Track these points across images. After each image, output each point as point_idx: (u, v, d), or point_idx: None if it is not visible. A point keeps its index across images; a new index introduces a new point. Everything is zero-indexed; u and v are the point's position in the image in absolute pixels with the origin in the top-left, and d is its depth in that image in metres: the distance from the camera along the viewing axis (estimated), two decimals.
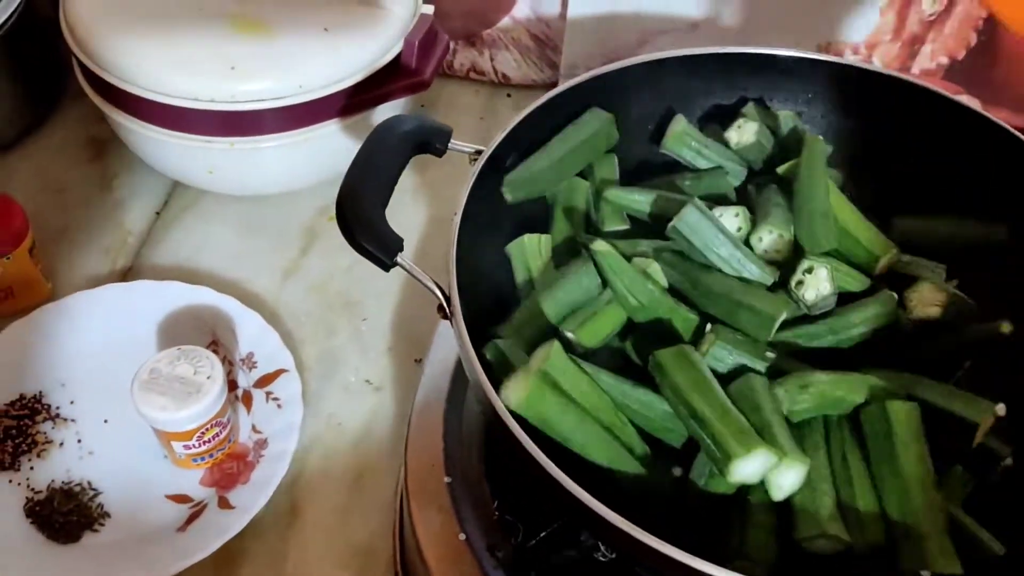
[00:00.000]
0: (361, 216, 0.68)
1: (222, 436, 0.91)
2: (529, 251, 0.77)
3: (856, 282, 0.77)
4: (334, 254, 1.13)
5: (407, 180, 1.16)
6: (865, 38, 1.16)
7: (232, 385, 0.98)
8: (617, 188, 0.82)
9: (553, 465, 0.58)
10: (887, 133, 0.86)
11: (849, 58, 0.83)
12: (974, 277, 0.78)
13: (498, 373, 0.69)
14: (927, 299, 0.74)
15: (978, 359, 0.73)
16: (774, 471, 0.63)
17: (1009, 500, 0.68)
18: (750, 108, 0.86)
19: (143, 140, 1.05)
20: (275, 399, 0.97)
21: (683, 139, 0.84)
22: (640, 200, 0.80)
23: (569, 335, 0.71)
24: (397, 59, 1.07)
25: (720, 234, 0.73)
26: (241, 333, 1.01)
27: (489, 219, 0.76)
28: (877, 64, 1.16)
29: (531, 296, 0.74)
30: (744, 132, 0.84)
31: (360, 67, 1.03)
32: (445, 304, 0.68)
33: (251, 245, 1.12)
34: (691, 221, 0.73)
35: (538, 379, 0.64)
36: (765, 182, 0.83)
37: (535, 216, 0.82)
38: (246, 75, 0.98)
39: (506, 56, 1.29)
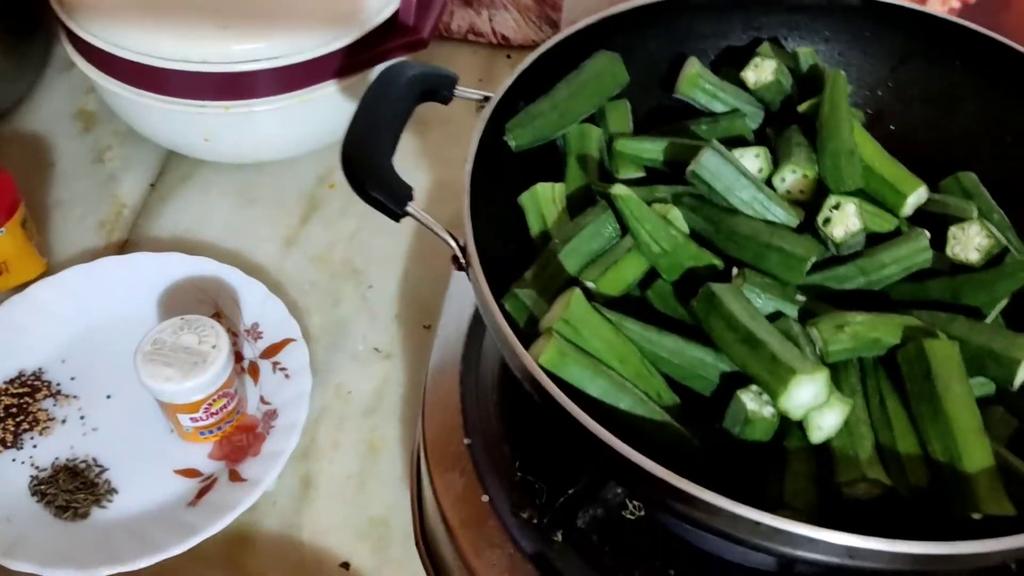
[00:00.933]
0: (368, 165, 0.65)
1: (230, 407, 0.88)
2: (543, 200, 0.74)
3: (885, 222, 0.74)
4: (336, 221, 1.10)
5: (408, 143, 1.13)
6: None
7: (238, 356, 0.96)
8: (629, 138, 0.79)
9: (588, 417, 0.55)
10: (911, 72, 0.83)
11: None
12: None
13: (520, 325, 0.66)
14: (971, 242, 0.71)
15: (1018, 297, 0.70)
16: (817, 410, 0.61)
17: None
18: (766, 47, 0.83)
19: (135, 108, 1.02)
20: (283, 369, 0.94)
21: (697, 82, 0.81)
22: (653, 148, 0.77)
23: (590, 285, 0.68)
24: (395, 17, 1.03)
25: (742, 176, 0.70)
26: (245, 303, 0.98)
27: (498, 170, 0.73)
28: None
29: (548, 247, 0.71)
30: (762, 71, 0.81)
31: (357, 25, 1.00)
32: (460, 254, 0.65)
33: (251, 215, 1.09)
34: (710, 164, 0.70)
35: (559, 333, 0.62)
36: (786, 123, 0.79)
37: (547, 167, 0.79)
38: (239, 34, 0.95)
39: (505, 16, 1.26)
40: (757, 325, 0.63)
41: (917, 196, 0.74)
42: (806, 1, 0.82)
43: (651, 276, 0.71)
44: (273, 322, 0.97)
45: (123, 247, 1.06)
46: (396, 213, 0.65)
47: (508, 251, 0.73)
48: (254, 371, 0.95)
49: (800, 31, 0.84)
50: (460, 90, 0.74)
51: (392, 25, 1.03)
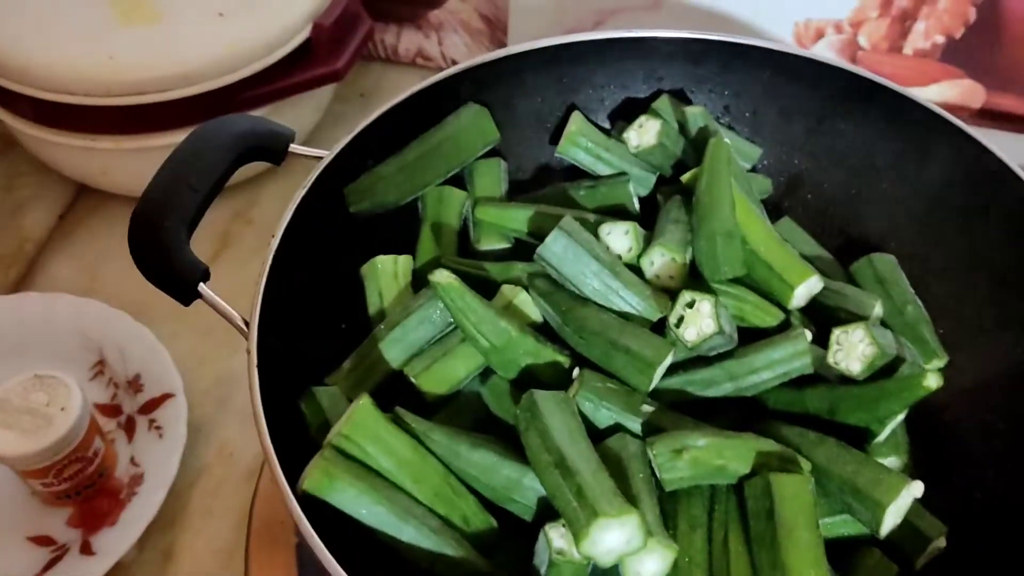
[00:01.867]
0: (156, 244, 0.58)
1: (89, 471, 0.81)
2: (382, 275, 0.66)
3: (769, 316, 0.64)
4: (249, 261, 1.02)
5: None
6: (849, 14, 1.01)
7: (116, 411, 0.89)
8: (490, 203, 0.69)
9: (329, 556, 0.47)
10: (829, 134, 0.72)
11: (775, 43, 0.69)
12: None
13: (311, 431, 0.57)
14: (854, 349, 0.60)
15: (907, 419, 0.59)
16: (633, 556, 0.51)
17: None
18: (661, 103, 0.73)
19: (29, 140, 0.96)
20: (158, 427, 0.87)
21: (577, 141, 0.72)
22: (518, 217, 0.68)
23: (412, 381, 0.60)
24: (306, 46, 0.95)
25: (594, 261, 0.61)
26: (129, 352, 0.92)
27: (339, 239, 0.65)
28: (818, 51, 1.01)
29: (372, 334, 0.62)
30: (645, 132, 0.71)
31: (258, 55, 0.92)
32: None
33: None
34: (557, 246, 0.61)
35: (337, 449, 0.53)
36: (672, 192, 0.69)
37: (406, 237, 0.70)
38: (126, 66, 0.88)
39: (455, 40, 1.17)
40: (574, 448, 0.53)
41: (808, 287, 0.64)
42: (703, 53, 0.71)
43: (489, 371, 0.62)
44: (156, 374, 0.90)
45: (19, 284, 1.00)
46: (183, 299, 0.58)
47: (341, 335, 0.65)
48: (130, 427, 0.88)
49: (708, 84, 0.74)
50: (296, 148, 0.66)
51: (305, 54, 0.96)
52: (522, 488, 0.56)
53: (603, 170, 0.73)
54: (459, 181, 0.72)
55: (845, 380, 0.61)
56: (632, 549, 0.50)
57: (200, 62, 0.90)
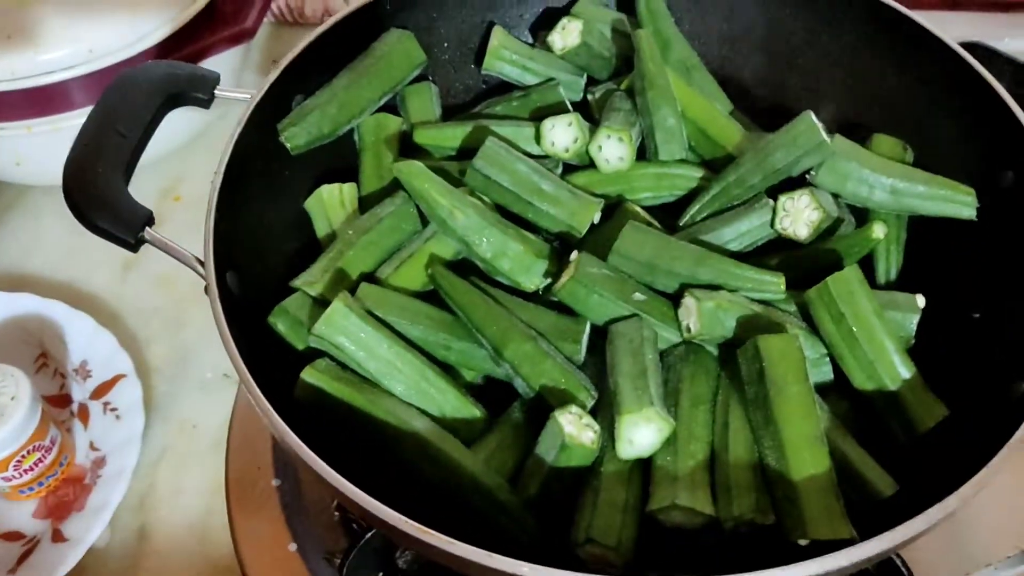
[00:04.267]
0: (93, 190, 0.56)
1: (48, 461, 0.79)
2: (329, 204, 0.66)
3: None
4: (184, 237, 0.98)
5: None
6: None
7: (66, 400, 0.87)
8: (426, 126, 0.69)
9: (319, 459, 0.47)
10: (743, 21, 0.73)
11: None
12: None
13: (291, 340, 0.57)
14: (800, 215, 0.62)
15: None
16: (632, 423, 0.52)
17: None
18: (581, 4, 0.73)
19: None
20: (113, 410, 0.85)
21: (501, 54, 0.72)
22: (453, 135, 0.68)
23: (385, 281, 0.60)
24: (212, 7, 0.93)
25: (531, 171, 0.62)
26: (72, 340, 0.89)
27: (280, 175, 0.64)
28: None
29: (339, 239, 0.62)
30: (568, 34, 0.72)
31: (162, 21, 0.90)
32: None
33: (84, 240, 0.95)
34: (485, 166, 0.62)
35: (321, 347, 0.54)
36: (606, 90, 0.70)
37: (345, 168, 0.69)
38: (24, 45, 0.85)
39: None
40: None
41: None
42: None
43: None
44: (103, 358, 0.88)
45: None
46: (129, 243, 0.56)
47: (291, 268, 0.64)
48: (84, 414, 0.86)
49: None
50: (222, 91, 0.64)
51: (210, 16, 0.93)
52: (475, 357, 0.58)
53: (531, 80, 0.73)
54: (392, 109, 0.71)
55: (789, 245, 0.63)
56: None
57: (102, 34, 0.87)
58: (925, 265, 0.64)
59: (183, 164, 1.04)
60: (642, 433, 0.53)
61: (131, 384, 0.85)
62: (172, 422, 0.87)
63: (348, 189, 0.66)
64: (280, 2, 1.14)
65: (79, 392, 0.87)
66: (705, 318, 0.57)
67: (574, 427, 0.54)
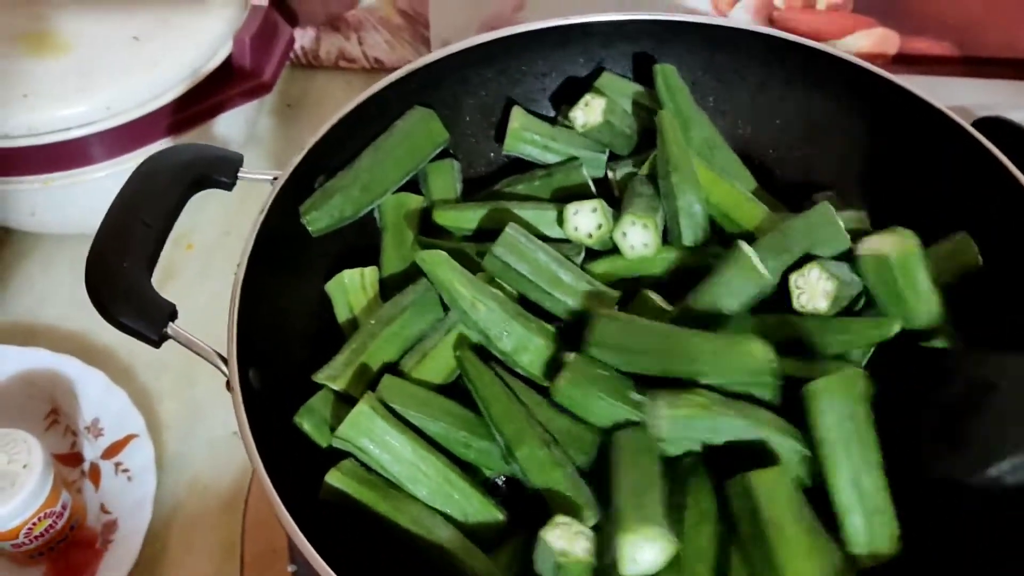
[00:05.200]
0: (117, 286, 0.55)
1: (59, 526, 0.79)
2: (351, 289, 0.65)
3: None
4: (194, 289, 0.99)
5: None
6: None
7: (77, 459, 0.86)
8: (446, 206, 0.69)
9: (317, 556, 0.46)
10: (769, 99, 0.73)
11: (697, 16, 0.71)
12: None
13: (316, 439, 0.57)
14: (814, 288, 0.61)
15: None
16: (632, 541, 0.51)
17: None
18: (604, 79, 0.73)
19: None
20: (125, 471, 0.85)
21: (522, 136, 0.72)
22: (473, 217, 0.68)
23: (408, 374, 0.60)
24: (229, 61, 0.93)
25: (551, 260, 0.62)
26: (84, 397, 0.89)
27: (301, 259, 0.63)
28: (735, 15, 1.03)
29: (362, 329, 0.62)
30: (591, 111, 0.71)
31: (181, 77, 0.89)
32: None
33: None
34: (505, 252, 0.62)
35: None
36: (626, 170, 0.70)
37: (366, 247, 0.69)
38: (42, 102, 0.85)
39: (376, 38, 1.15)
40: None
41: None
42: (643, 30, 0.72)
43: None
44: (115, 416, 0.87)
45: None
46: (153, 340, 0.56)
47: (315, 355, 0.64)
48: (95, 475, 0.86)
49: (647, 61, 0.74)
50: (246, 173, 0.64)
51: (227, 71, 0.93)
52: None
53: (552, 158, 0.73)
54: (414, 187, 0.71)
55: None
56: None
57: (120, 90, 0.87)
58: None
59: (197, 212, 1.03)
60: (645, 552, 0.52)
61: (143, 444, 0.85)
62: (183, 482, 0.86)
63: (370, 273, 0.66)
64: (295, 45, 1.14)
65: (90, 451, 0.86)
66: (667, 426, 0.56)
67: (565, 541, 0.53)
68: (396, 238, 0.68)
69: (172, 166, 0.60)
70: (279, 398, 0.57)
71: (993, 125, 0.79)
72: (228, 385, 0.56)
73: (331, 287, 0.65)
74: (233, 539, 0.82)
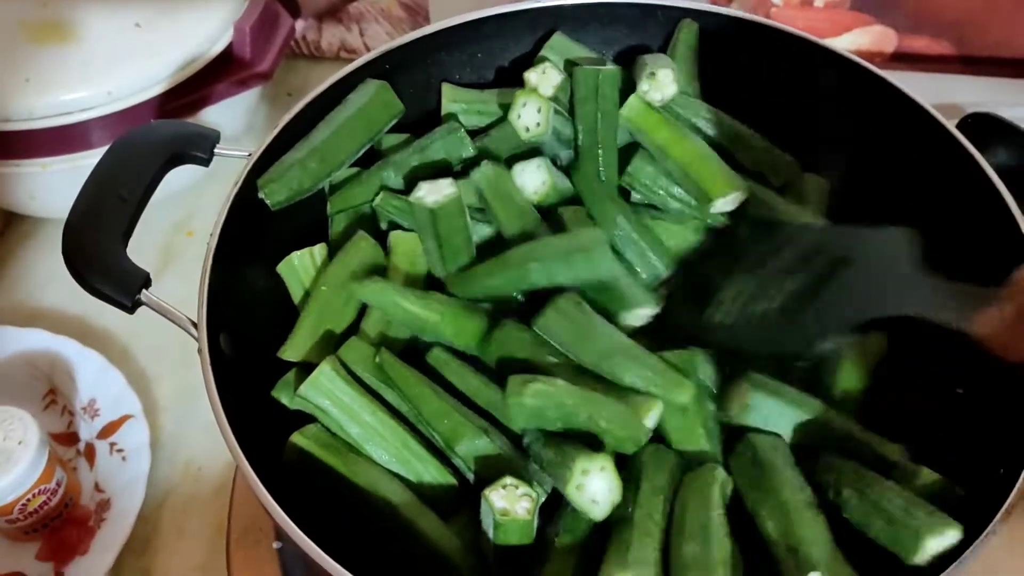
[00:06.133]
0: (91, 252, 0.56)
1: (53, 503, 0.80)
2: (301, 270, 0.66)
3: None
4: (194, 274, 0.99)
5: None
6: None
7: (73, 438, 0.87)
8: (387, 193, 0.70)
9: (290, 521, 0.47)
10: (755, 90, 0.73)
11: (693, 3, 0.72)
12: None
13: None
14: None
15: None
16: (584, 474, 0.53)
17: None
18: (554, 41, 0.75)
19: None
20: (119, 450, 0.85)
21: (451, 108, 0.74)
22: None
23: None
24: (229, 50, 0.94)
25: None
26: (81, 377, 0.90)
27: (275, 232, 0.64)
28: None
29: (310, 302, 0.63)
30: (546, 80, 0.73)
31: (181, 65, 0.90)
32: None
33: None
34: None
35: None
36: None
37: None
38: (44, 87, 0.86)
39: (376, 29, 1.16)
40: None
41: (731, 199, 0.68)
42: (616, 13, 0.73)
43: None
44: (111, 397, 0.88)
45: None
46: (125, 305, 0.56)
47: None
48: (90, 454, 0.87)
49: (617, 45, 0.76)
50: (221, 149, 0.64)
51: (227, 59, 0.94)
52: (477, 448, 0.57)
53: (485, 121, 0.75)
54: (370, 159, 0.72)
55: None
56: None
57: (121, 76, 0.88)
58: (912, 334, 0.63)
59: (197, 199, 1.04)
60: (595, 484, 0.53)
61: (139, 425, 0.86)
62: (178, 464, 0.87)
63: (319, 251, 0.66)
64: (297, 35, 1.15)
65: (86, 431, 0.88)
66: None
67: (507, 502, 0.54)
68: (344, 217, 0.70)
69: (149, 141, 0.61)
70: (254, 368, 0.58)
71: (983, 121, 0.80)
72: (199, 351, 0.56)
73: (283, 268, 0.66)
74: (223, 522, 0.82)
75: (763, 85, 0.73)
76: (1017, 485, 0.49)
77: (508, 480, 0.54)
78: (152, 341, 0.95)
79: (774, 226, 0.66)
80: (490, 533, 0.54)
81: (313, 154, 0.67)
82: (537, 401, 0.54)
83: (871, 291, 0.56)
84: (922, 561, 0.51)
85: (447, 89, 0.75)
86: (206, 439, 0.88)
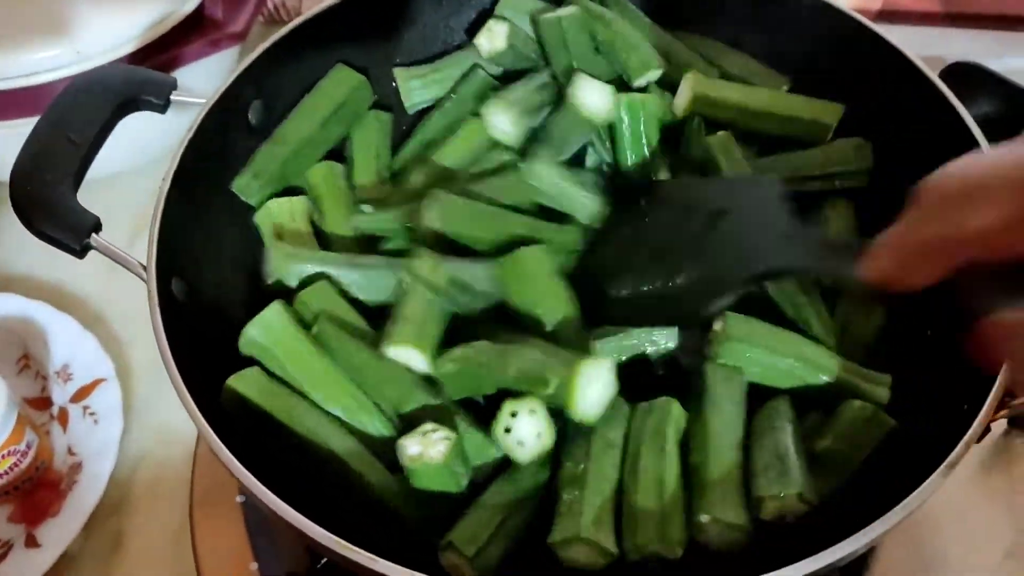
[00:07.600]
0: (39, 196, 0.55)
1: (24, 465, 0.79)
2: (278, 214, 0.66)
3: None
4: None
5: None
6: None
7: (47, 403, 0.87)
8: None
9: (239, 465, 0.46)
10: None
11: None
12: None
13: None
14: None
15: None
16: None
17: None
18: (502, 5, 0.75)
19: None
20: (92, 414, 0.85)
21: (410, 91, 0.75)
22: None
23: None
24: (200, 10, 0.93)
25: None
26: (55, 342, 0.89)
27: (226, 181, 0.63)
28: None
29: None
30: (495, 37, 0.73)
31: (151, 24, 0.89)
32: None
33: None
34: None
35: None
36: None
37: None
38: (10, 46, 0.85)
39: None
40: None
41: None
42: None
43: None
44: (85, 361, 0.88)
45: None
46: (74, 249, 0.55)
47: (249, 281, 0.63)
48: (63, 418, 0.86)
49: None
50: (178, 96, 0.63)
51: (199, 19, 0.93)
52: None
53: (442, 91, 0.76)
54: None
55: None
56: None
57: (90, 35, 0.86)
58: None
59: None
60: (523, 423, 0.53)
61: (111, 388, 0.85)
62: (151, 428, 0.86)
63: (299, 203, 0.65)
64: (277, 1, 1.14)
65: (60, 395, 0.87)
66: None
67: (421, 447, 0.53)
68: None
69: (101, 86, 0.60)
70: (209, 314, 0.57)
71: (965, 70, 0.79)
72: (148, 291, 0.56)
73: (259, 217, 0.65)
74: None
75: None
76: (978, 419, 0.48)
77: (428, 426, 0.53)
78: (126, 306, 0.94)
79: (655, 184, 0.66)
80: (411, 479, 0.54)
81: (286, 149, 0.68)
82: (459, 365, 0.54)
83: (752, 246, 0.55)
84: None
85: (398, 72, 0.76)
86: (179, 405, 0.87)
